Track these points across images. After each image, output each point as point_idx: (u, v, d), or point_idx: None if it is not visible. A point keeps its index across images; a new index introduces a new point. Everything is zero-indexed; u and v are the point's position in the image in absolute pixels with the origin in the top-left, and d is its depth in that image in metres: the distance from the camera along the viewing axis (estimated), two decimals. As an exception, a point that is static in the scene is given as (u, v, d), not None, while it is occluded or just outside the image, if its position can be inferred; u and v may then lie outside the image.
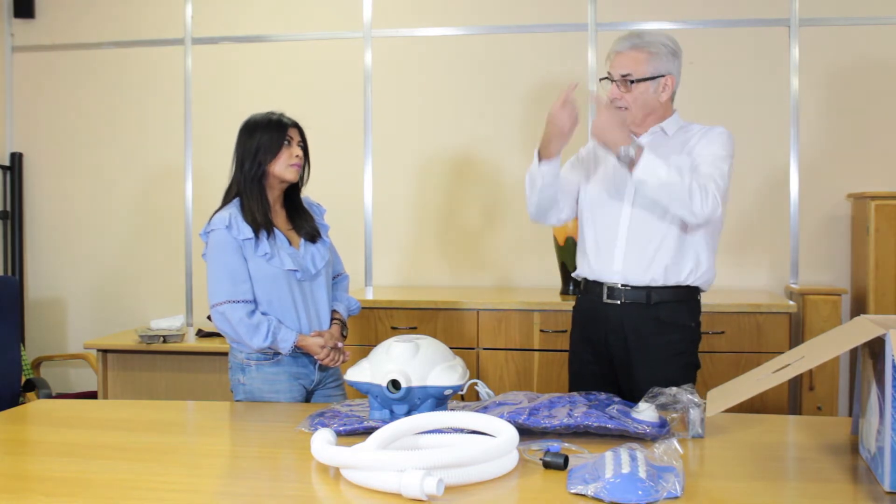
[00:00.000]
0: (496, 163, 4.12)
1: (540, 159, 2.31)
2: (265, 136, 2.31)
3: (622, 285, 2.32)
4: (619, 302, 2.32)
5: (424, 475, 1.33)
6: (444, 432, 1.61)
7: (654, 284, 2.29)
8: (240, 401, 2.33)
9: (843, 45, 3.86)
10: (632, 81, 2.26)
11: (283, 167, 2.32)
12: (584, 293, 2.45)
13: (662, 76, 2.28)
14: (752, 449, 1.68)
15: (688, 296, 2.33)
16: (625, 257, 2.30)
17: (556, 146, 2.27)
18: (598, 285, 2.37)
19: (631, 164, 2.14)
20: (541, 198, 2.37)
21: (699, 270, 2.31)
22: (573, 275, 2.54)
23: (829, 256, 3.90)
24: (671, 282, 2.29)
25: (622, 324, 2.32)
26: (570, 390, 2.44)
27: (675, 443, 1.51)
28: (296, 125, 2.38)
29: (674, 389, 1.79)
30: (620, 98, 2.28)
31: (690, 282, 2.31)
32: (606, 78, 2.33)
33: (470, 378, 1.86)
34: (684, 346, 2.33)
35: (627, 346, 2.33)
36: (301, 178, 2.39)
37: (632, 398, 2.02)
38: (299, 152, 2.35)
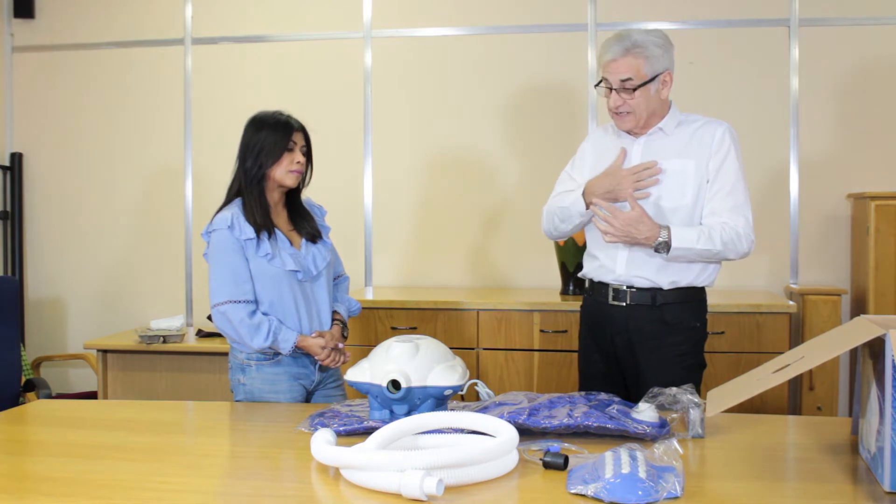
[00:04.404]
0: (496, 162, 4.12)
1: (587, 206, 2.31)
2: (270, 137, 2.31)
3: (627, 287, 2.32)
4: (624, 304, 2.32)
5: (424, 475, 1.33)
6: (444, 432, 1.61)
7: (659, 287, 2.29)
8: (240, 401, 2.33)
9: (843, 46, 3.86)
10: (635, 87, 2.23)
11: (283, 172, 2.32)
12: (590, 293, 2.45)
13: (661, 73, 2.26)
14: (752, 449, 1.68)
15: (693, 296, 2.33)
16: (628, 260, 2.30)
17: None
18: (603, 286, 2.37)
19: (667, 247, 2.18)
20: (574, 229, 2.41)
21: (706, 271, 2.31)
22: (580, 275, 2.53)
23: (829, 256, 3.90)
24: (678, 284, 2.29)
25: (627, 325, 2.32)
26: (580, 389, 2.44)
27: (675, 443, 1.50)
28: (302, 129, 2.37)
29: (674, 389, 1.79)
30: (623, 104, 2.26)
31: (698, 283, 2.31)
32: (601, 84, 2.29)
33: (470, 378, 1.86)
34: (690, 346, 2.33)
35: (633, 348, 2.32)
36: (302, 181, 2.40)
37: (638, 398, 2.02)
38: (301, 158, 2.35)
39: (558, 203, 2.40)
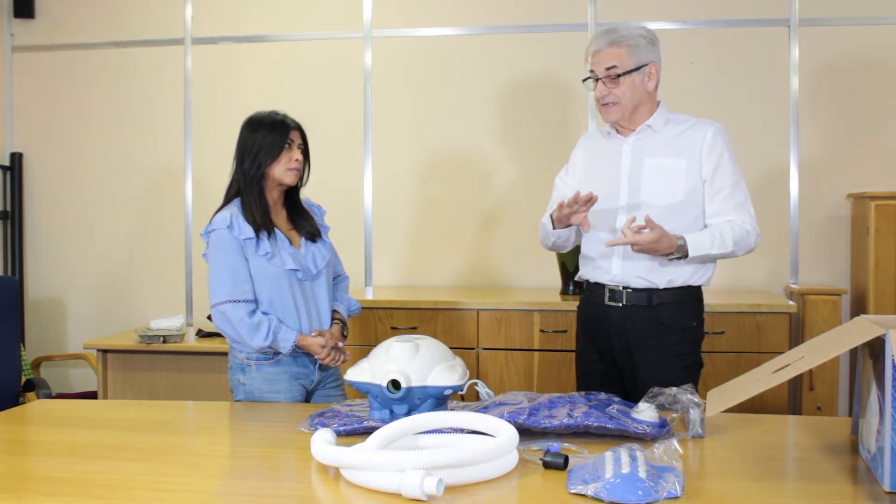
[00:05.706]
0: (496, 162, 4.12)
1: (554, 227, 2.34)
2: (267, 136, 2.32)
3: (623, 287, 2.32)
4: (620, 304, 2.33)
5: (424, 475, 1.33)
6: (444, 432, 1.61)
7: (655, 287, 2.29)
8: (240, 401, 2.33)
9: (842, 45, 3.86)
10: (618, 75, 2.26)
11: (282, 171, 2.32)
12: (587, 294, 2.45)
13: (646, 65, 2.29)
14: (752, 449, 1.68)
15: (689, 296, 2.33)
16: (623, 262, 2.31)
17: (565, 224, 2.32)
18: (599, 287, 2.38)
19: (684, 256, 2.21)
20: (556, 244, 2.44)
21: (702, 269, 2.31)
22: (577, 277, 2.54)
23: (829, 256, 3.90)
24: (673, 283, 2.29)
25: (624, 326, 2.33)
26: (578, 390, 2.44)
27: (675, 443, 1.50)
28: (298, 127, 2.38)
29: (674, 389, 1.79)
30: (609, 94, 2.29)
31: (693, 282, 2.31)
32: (589, 78, 2.33)
33: (470, 378, 1.86)
34: (687, 346, 2.33)
35: (630, 348, 2.33)
36: (300, 179, 2.40)
37: (636, 399, 2.02)
38: (299, 156, 2.35)
39: (542, 218, 2.44)
